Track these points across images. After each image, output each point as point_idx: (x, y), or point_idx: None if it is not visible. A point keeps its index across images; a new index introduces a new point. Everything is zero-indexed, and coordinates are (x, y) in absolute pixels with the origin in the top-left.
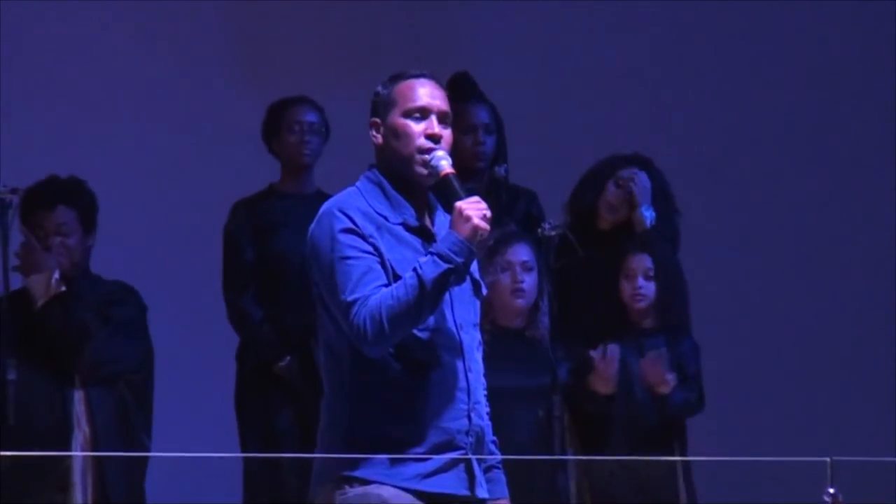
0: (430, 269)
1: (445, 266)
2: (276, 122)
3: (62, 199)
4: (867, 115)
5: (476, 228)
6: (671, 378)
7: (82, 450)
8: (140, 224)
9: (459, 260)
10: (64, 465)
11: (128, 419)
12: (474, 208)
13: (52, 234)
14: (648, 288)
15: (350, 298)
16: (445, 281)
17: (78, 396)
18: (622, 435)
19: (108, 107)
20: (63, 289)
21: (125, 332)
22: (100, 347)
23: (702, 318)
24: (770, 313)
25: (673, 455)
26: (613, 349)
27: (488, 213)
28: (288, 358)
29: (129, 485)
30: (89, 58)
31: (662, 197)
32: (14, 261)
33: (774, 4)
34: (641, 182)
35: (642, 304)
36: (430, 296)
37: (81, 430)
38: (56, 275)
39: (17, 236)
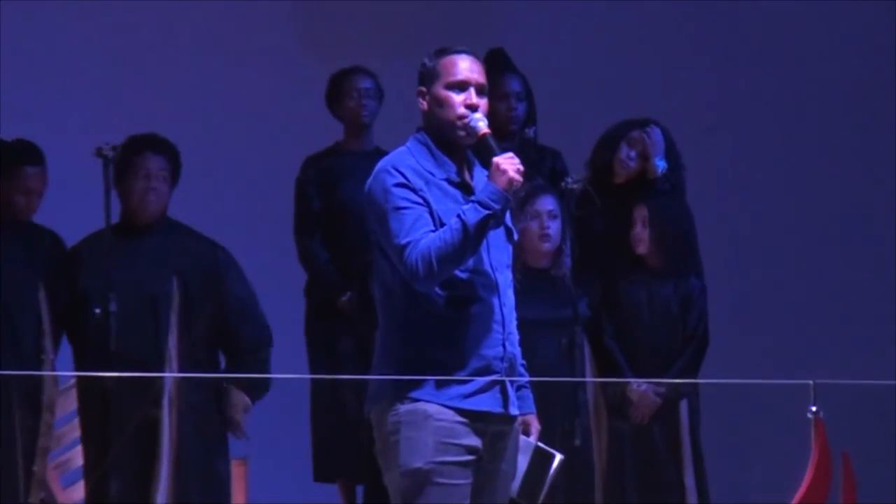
0: (472, 215)
1: (485, 212)
2: (337, 90)
3: (158, 149)
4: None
5: (511, 180)
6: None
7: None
8: (225, 177)
9: (497, 207)
10: (157, 384)
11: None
12: (509, 163)
13: (151, 178)
14: (644, 235)
15: (403, 242)
16: (485, 225)
17: (173, 320)
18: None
19: (198, 75)
20: None
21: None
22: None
23: None
24: (758, 249)
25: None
26: (647, 388)
27: (521, 168)
28: (349, 293)
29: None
30: (182, 33)
31: (670, 152)
32: (115, 207)
33: None
34: (655, 136)
35: (641, 249)
36: (472, 238)
37: (168, 353)
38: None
39: None
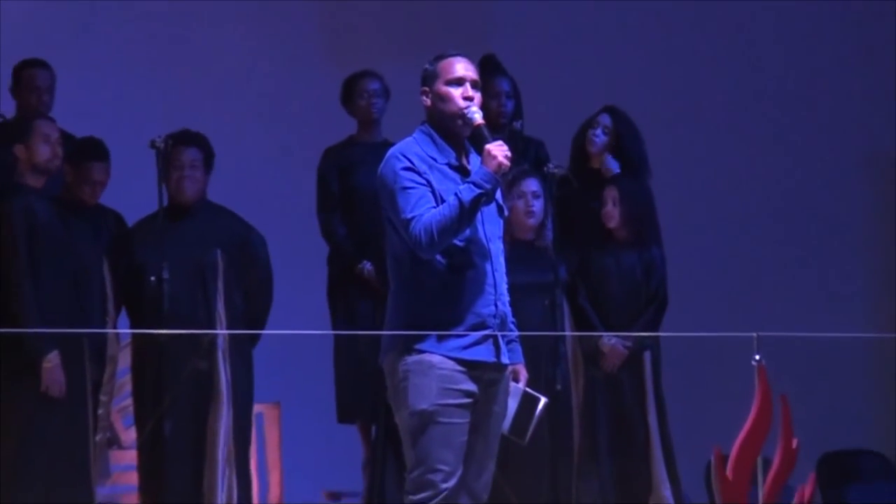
0: (467, 193)
1: (478, 191)
2: (350, 91)
3: (192, 143)
4: None
5: (500, 165)
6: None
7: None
8: (259, 166)
9: (488, 186)
10: (205, 340)
11: (255, 308)
12: (499, 150)
13: (186, 168)
14: (615, 212)
15: (409, 216)
16: (478, 202)
17: (220, 286)
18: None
19: (235, 78)
20: None
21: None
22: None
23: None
24: (716, 224)
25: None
26: (616, 342)
27: (509, 154)
28: (365, 262)
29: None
30: (222, 43)
31: (628, 134)
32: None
33: None
34: (598, 139)
35: (611, 224)
36: (467, 213)
37: (218, 314)
38: None
39: None
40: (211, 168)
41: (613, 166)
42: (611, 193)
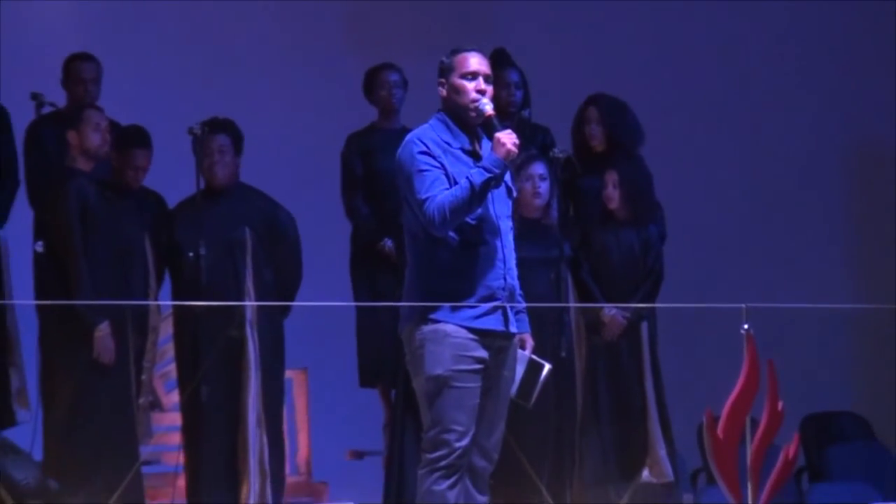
0: (478, 177)
1: (487, 175)
2: (371, 82)
3: (221, 129)
4: None
5: (509, 151)
6: (619, 316)
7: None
8: (289, 150)
9: (497, 171)
10: (238, 311)
11: (284, 282)
12: (508, 138)
13: (216, 153)
14: (615, 194)
15: (424, 196)
16: (487, 185)
17: (248, 262)
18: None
19: (269, 70)
20: None
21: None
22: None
23: None
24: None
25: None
26: (616, 313)
27: (517, 142)
28: (386, 239)
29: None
30: (254, 38)
31: (617, 117)
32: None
33: None
34: (595, 132)
35: (611, 205)
36: (477, 195)
37: (247, 288)
38: None
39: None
40: (240, 151)
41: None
42: (611, 177)
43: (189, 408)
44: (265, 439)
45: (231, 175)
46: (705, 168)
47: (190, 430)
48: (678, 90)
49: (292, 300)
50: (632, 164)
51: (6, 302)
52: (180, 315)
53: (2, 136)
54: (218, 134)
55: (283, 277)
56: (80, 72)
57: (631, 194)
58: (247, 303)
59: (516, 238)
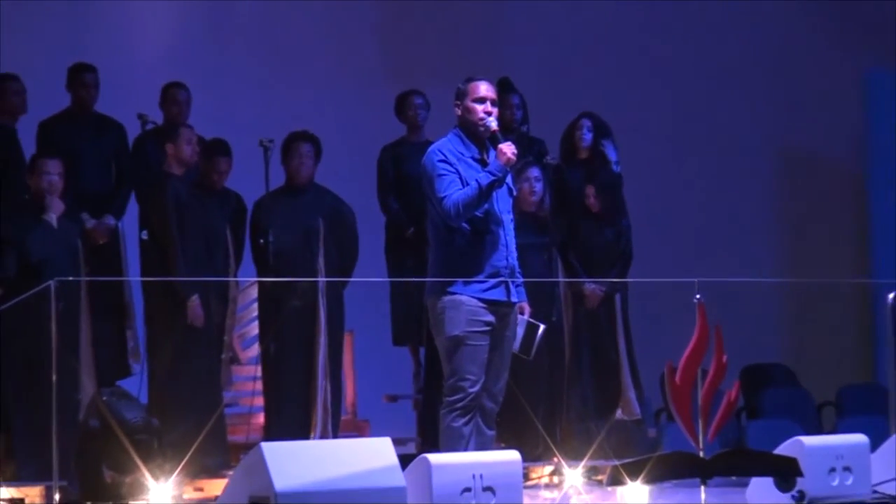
0: (485, 179)
1: (492, 178)
2: (401, 104)
3: (307, 140)
4: None
5: (509, 159)
6: (597, 290)
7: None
8: (344, 159)
9: (500, 175)
10: (307, 285)
11: (345, 261)
12: (509, 149)
13: (303, 157)
14: (595, 202)
15: (443, 195)
16: (492, 186)
17: (321, 246)
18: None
19: (319, 95)
20: None
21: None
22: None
23: None
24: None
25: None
26: (595, 287)
27: (516, 151)
28: (412, 228)
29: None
30: (312, 68)
31: (603, 132)
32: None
33: None
34: (585, 136)
35: (593, 210)
36: (484, 194)
37: (319, 266)
38: None
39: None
40: (319, 159)
41: (610, 152)
42: (590, 190)
43: (271, 361)
44: (329, 386)
45: (310, 176)
46: (670, 170)
47: (271, 379)
48: (641, 111)
49: (350, 276)
50: (607, 177)
51: (122, 278)
52: (263, 288)
53: (122, 148)
54: (305, 142)
55: (343, 258)
56: (174, 96)
57: (606, 201)
58: (312, 279)
59: (516, 228)
